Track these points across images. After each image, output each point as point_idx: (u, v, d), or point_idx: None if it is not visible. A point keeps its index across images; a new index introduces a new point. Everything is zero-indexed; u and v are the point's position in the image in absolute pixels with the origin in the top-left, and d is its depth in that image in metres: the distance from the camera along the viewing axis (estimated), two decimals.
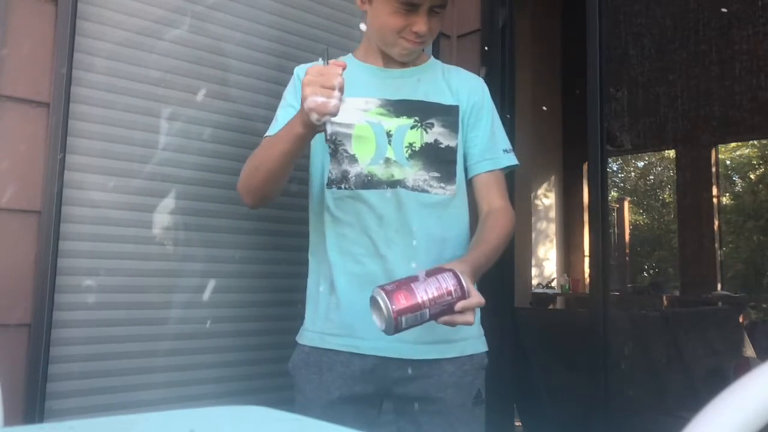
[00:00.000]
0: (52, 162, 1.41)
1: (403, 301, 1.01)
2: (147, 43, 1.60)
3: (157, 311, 1.59)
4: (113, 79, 1.54)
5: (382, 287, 1.03)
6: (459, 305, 1.05)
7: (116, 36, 1.55)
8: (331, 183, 1.32)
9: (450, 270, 1.07)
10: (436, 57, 1.50)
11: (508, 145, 1.42)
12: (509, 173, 1.43)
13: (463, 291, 1.05)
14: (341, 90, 1.03)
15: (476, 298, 1.09)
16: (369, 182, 1.29)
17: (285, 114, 1.34)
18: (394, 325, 1.02)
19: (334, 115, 1.04)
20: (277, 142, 1.21)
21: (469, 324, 1.09)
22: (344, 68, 1.05)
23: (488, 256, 1.26)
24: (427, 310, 1.02)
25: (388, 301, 1.01)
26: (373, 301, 1.04)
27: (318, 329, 1.32)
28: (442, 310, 1.04)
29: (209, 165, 1.69)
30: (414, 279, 1.04)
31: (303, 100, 1.04)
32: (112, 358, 1.51)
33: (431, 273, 1.05)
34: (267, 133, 1.35)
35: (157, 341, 1.58)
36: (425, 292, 1.02)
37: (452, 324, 1.09)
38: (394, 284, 1.04)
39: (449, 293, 1.04)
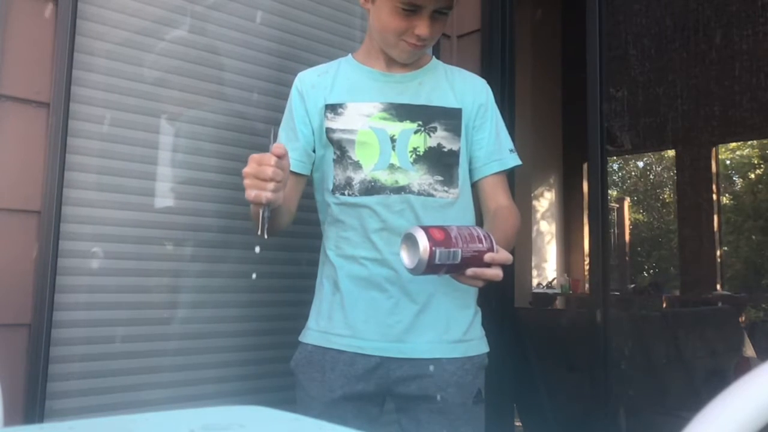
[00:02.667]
0: (52, 162, 1.41)
1: (438, 235, 1.02)
2: (147, 43, 1.60)
3: (158, 311, 1.59)
4: (113, 79, 1.54)
5: (417, 225, 1.05)
6: (488, 256, 1.05)
7: (116, 36, 1.55)
8: (335, 189, 1.32)
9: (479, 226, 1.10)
10: (437, 57, 1.49)
11: (511, 144, 1.42)
12: (510, 172, 1.43)
13: (491, 243, 1.07)
14: (276, 178, 1.06)
15: (504, 253, 1.09)
16: (373, 188, 1.29)
17: (286, 135, 1.36)
18: (428, 257, 1.01)
19: (271, 204, 1.07)
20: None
21: (498, 278, 1.08)
22: (281, 155, 1.07)
23: (503, 243, 1.26)
24: (460, 251, 1.03)
25: (424, 234, 1.01)
26: (407, 237, 1.05)
27: (321, 328, 1.33)
28: (473, 255, 1.04)
29: (209, 165, 1.69)
30: (447, 225, 1.07)
31: (245, 179, 1.08)
32: (113, 358, 1.51)
33: (462, 225, 1.08)
34: None
35: (157, 341, 1.58)
36: (458, 234, 1.04)
37: (480, 279, 1.07)
38: (429, 224, 1.06)
39: (480, 240, 1.05)
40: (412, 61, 1.36)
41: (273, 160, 1.05)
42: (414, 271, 1.04)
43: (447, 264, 1.03)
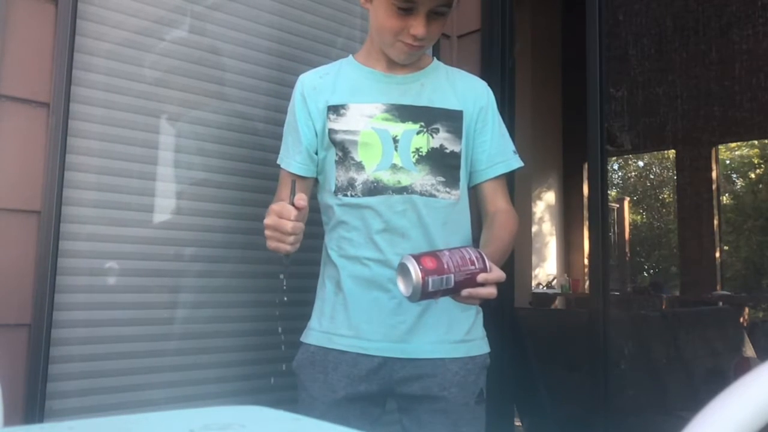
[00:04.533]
0: (52, 162, 1.41)
1: (430, 264, 1.06)
2: (147, 43, 1.60)
3: (158, 311, 1.59)
4: (113, 79, 1.54)
5: (410, 254, 1.08)
6: (481, 277, 1.08)
7: (116, 36, 1.55)
8: (337, 190, 1.32)
9: (472, 246, 1.14)
10: (436, 57, 1.49)
11: (513, 145, 1.43)
12: (510, 173, 1.43)
13: (484, 263, 1.10)
14: (295, 232, 1.12)
15: (497, 272, 1.11)
16: (375, 189, 1.29)
17: (293, 139, 1.36)
18: (422, 286, 1.05)
19: (290, 254, 1.15)
20: None
21: (493, 296, 1.11)
22: (302, 208, 1.12)
23: (501, 252, 1.29)
24: (452, 276, 1.06)
25: (416, 263, 1.05)
26: (401, 267, 1.08)
27: (324, 329, 1.33)
28: (466, 278, 1.08)
29: (209, 165, 1.69)
30: (439, 250, 1.11)
31: (265, 230, 1.14)
32: (112, 358, 1.51)
33: (454, 249, 1.11)
34: (279, 159, 1.38)
35: (157, 341, 1.58)
36: (450, 259, 1.07)
37: (475, 297, 1.10)
38: (421, 252, 1.10)
39: (472, 262, 1.08)
40: (411, 62, 1.36)
41: (293, 214, 1.10)
42: (410, 299, 1.08)
43: (441, 289, 1.07)
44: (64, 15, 1.44)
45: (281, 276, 1.18)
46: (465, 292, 1.09)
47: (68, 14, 1.44)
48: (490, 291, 1.10)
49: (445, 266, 1.06)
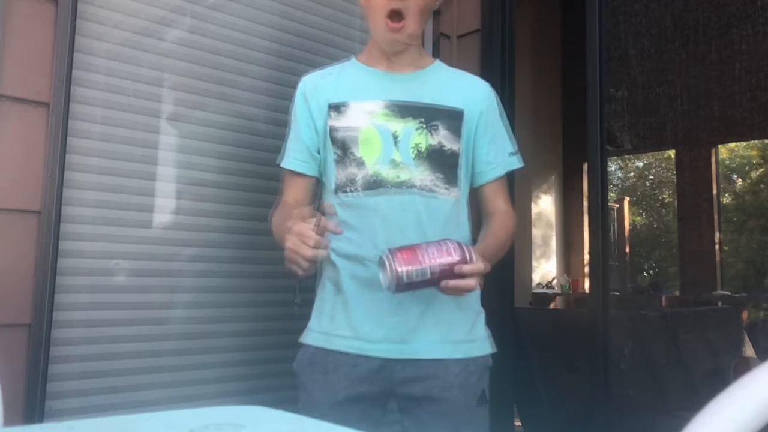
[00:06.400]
0: (52, 162, 1.41)
1: (404, 256, 1.08)
2: (147, 43, 1.60)
3: (158, 311, 1.59)
4: (113, 79, 1.54)
5: (388, 248, 1.11)
6: (456, 268, 1.09)
7: (116, 36, 1.55)
8: (338, 189, 1.32)
9: (453, 239, 1.15)
10: (437, 57, 1.49)
11: (514, 147, 1.43)
12: (510, 174, 1.43)
13: (464, 255, 1.10)
14: (314, 259, 1.10)
15: (478, 263, 1.11)
16: (375, 183, 1.29)
17: (293, 137, 1.36)
18: (396, 278, 1.07)
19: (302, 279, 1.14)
20: (282, 234, 1.22)
21: (472, 288, 1.12)
22: (330, 230, 1.12)
23: (496, 248, 1.29)
24: (428, 267, 1.08)
25: (391, 256, 1.08)
26: (380, 262, 1.11)
27: (323, 329, 1.32)
28: (443, 269, 1.09)
29: (209, 165, 1.69)
30: (418, 244, 1.12)
31: (285, 251, 1.13)
32: (112, 358, 1.51)
33: (433, 242, 1.13)
34: (278, 159, 1.38)
35: (157, 341, 1.58)
36: (426, 251, 1.09)
37: (457, 290, 1.11)
38: (401, 246, 1.12)
39: (449, 254, 1.10)
40: (399, 49, 1.35)
41: (312, 241, 1.09)
42: (390, 291, 1.10)
43: (418, 281, 1.09)
44: (64, 15, 1.44)
45: (295, 302, 1.18)
46: (443, 283, 1.10)
47: (68, 14, 1.44)
48: (468, 283, 1.11)
49: (420, 258, 1.08)
